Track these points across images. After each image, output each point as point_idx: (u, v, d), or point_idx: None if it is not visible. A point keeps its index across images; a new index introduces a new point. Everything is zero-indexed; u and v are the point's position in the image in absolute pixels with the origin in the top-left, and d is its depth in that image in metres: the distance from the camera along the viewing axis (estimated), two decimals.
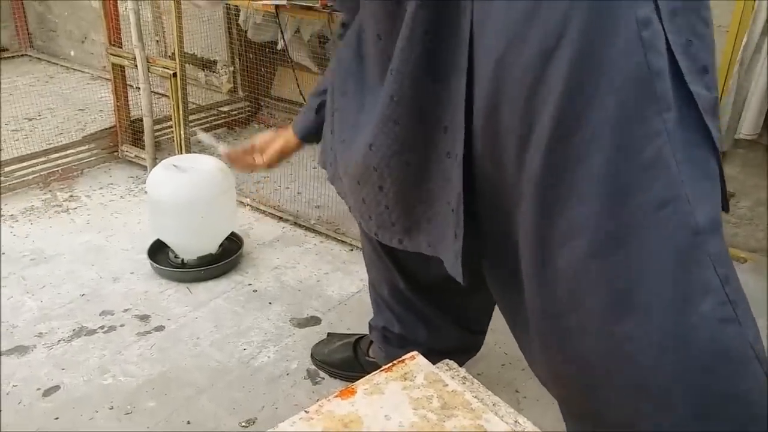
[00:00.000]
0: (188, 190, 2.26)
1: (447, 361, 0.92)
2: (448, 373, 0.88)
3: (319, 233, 2.66)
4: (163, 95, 3.39)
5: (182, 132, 3.00)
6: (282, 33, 2.85)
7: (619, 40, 0.83)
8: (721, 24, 2.09)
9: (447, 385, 0.86)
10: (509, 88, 0.90)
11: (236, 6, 3.31)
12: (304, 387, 1.89)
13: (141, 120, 3.12)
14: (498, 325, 2.16)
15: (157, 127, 3.27)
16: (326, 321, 2.16)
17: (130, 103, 3.25)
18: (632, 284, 0.86)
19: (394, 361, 0.94)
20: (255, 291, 2.31)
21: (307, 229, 2.68)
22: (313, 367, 1.96)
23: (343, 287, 2.34)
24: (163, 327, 2.13)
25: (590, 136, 0.84)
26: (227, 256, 2.40)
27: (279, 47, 3.18)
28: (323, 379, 1.92)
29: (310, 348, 2.01)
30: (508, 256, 1.07)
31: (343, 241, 2.60)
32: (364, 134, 1.14)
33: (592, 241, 0.87)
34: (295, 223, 2.72)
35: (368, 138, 1.12)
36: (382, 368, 0.93)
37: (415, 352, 0.96)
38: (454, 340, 1.65)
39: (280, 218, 2.75)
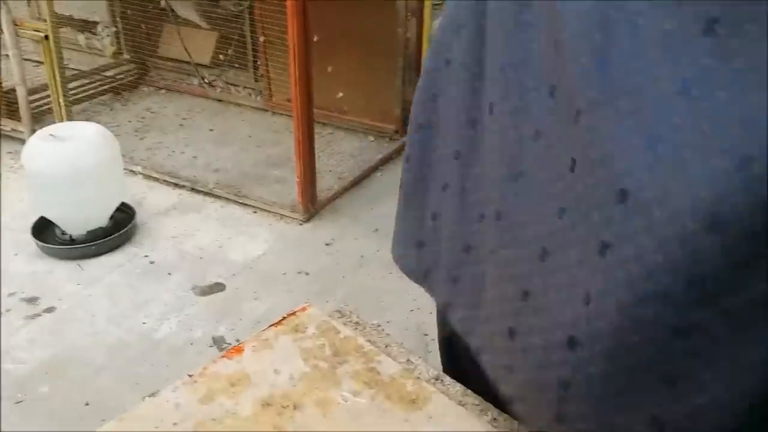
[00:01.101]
0: (68, 160, 2.10)
1: (341, 308, 0.88)
2: (340, 320, 0.84)
3: (219, 197, 2.55)
4: (40, 62, 3.13)
5: (61, 100, 2.79)
6: None
7: None
8: None
9: (339, 332, 0.82)
10: None
11: None
12: (210, 355, 1.81)
13: (15, 90, 2.87)
14: None
15: (35, 96, 3.02)
16: (231, 286, 2.08)
17: (2, 72, 2.97)
18: None
19: (285, 315, 0.89)
20: (152, 262, 2.19)
21: (206, 194, 2.57)
22: (220, 333, 1.89)
23: (247, 251, 2.26)
24: (54, 308, 1.99)
25: None
26: (119, 229, 2.26)
27: (162, 4, 2.99)
28: (230, 344, 1.85)
29: (214, 316, 1.93)
30: None
31: (245, 204, 2.50)
32: None
33: None
34: (193, 189, 2.59)
35: None
36: (271, 323, 0.88)
37: (307, 304, 0.92)
38: None
39: (176, 185, 2.62)
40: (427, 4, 2.81)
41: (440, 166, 0.69)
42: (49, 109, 3.02)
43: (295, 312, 0.88)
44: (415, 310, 1.97)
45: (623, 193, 0.45)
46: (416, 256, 0.72)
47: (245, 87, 3.39)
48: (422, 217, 0.72)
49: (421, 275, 0.72)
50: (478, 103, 0.63)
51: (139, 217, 2.37)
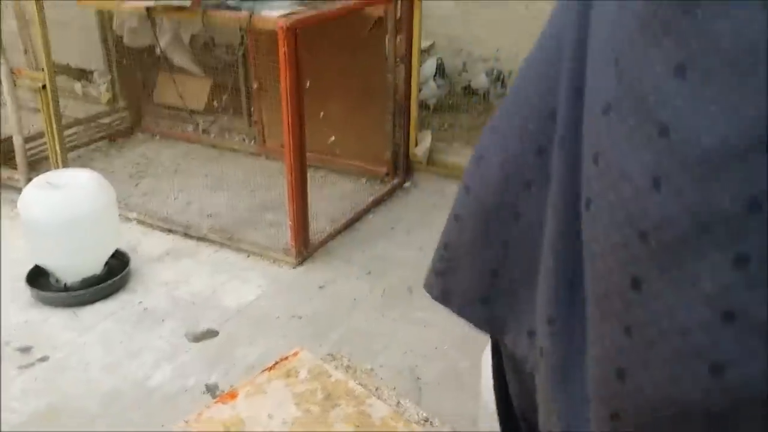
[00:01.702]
0: (64, 208, 2.12)
1: (333, 352, 0.90)
2: (332, 363, 0.86)
3: (213, 242, 2.56)
4: (37, 110, 3.18)
5: (57, 147, 2.82)
6: (156, 36, 2.74)
7: None
8: None
9: (331, 376, 0.84)
10: None
11: (110, 11, 3.15)
12: (204, 402, 1.80)
13: (11, 138, 2.90)
14: (397, 314, 2.18)
15: (31, 144, 3.06)
16: (224, 332, 2.09)
17: None
18: None
19: (277, 360, 0.91)
20: (146, 309, 2.19)
21: (200, 239, 2.58)
22: (213, 380, 1.88)
23: (240, 295, 2.26)
24: (48, 357, 1.99)
25: None
26: (113, 276, 2.27)
27: (157, 52, 3.06)
28: (223, 391, 1.84)
29: (208, 362, 1.93)
30: None
31: (238, 249, 2.52)
32: None
33: None
34: (186, 235, 2.61)
35: None
36: (264, 368, 0.90)
37: (299, 348, 0.94)
38: None
39: (170, 231, 2.63)
40: (415, 51, 2.89)
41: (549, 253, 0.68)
42: (45, 156, 3.06)
43: (287, 357, 0.90)
44: (407, 352, 1.97)
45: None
46: (546, 335, 0.70)
47: (239, 133, 3.44)
48: (531, 309, 0.71)
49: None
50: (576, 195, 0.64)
51: (133, 263, 2.38)
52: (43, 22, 2.67)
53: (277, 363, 0.88)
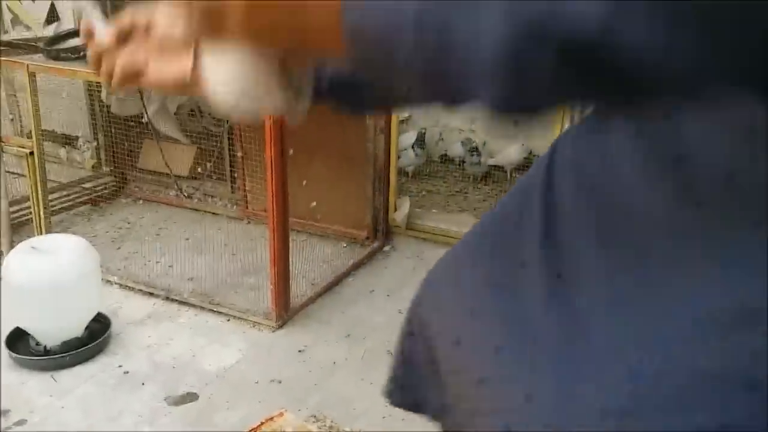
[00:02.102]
0: (48, 272, 2.15)
1: (316, 413, 0.95)
2: (315, 425, 0.90)
3: (194, 306, 2.59)
4: (20, 175, 3.23)
5: (41, 212, 2.86)
6: (145, 107, 2.84)
7: None
8: None
9: None
10: None
11: (97, 81, 3.25)
12: None
13: None
14: (377, 377, 2.20)
15: (15, 208, 3.09)
16: (204, 396, 2.09)
17: None
18: None
19: (263, 420, 0.96)
20: (126, 372, 2.20)
21: (181, 303, 2.61)
22: None
23: (221, 359, 2.28)
24: (25, 421, 1.98)
25: None
26: (94, 339, 2.28)
27: (144, 120, 3.15)
28: None
29: (187, 427, 1.93)
30: None
31: (219, 312, 2.55)
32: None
33: None
34: (167, 298, 2.63)
35: None
36: (251, 427, 0.95)
37: (284, 409, 0.98)
38: None
39: (151, 294, 2.66)
40: (394, 123, 3.02)
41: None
42: (27, 220, 3.09)
43: (272, 417, 0.94)
44: (387, 417, 1.99)
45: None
46: None
47: (222, 198, 3.51)
48: None
49: None
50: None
51: (114, 326, 2.40)
52: (34, 92, 2.75)
53: (262, 423, 0.93)
